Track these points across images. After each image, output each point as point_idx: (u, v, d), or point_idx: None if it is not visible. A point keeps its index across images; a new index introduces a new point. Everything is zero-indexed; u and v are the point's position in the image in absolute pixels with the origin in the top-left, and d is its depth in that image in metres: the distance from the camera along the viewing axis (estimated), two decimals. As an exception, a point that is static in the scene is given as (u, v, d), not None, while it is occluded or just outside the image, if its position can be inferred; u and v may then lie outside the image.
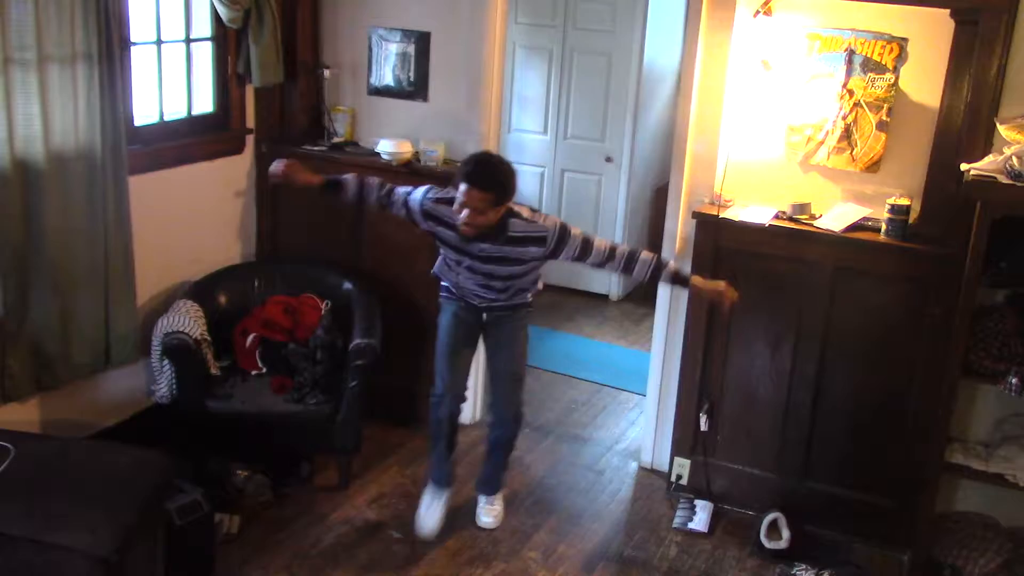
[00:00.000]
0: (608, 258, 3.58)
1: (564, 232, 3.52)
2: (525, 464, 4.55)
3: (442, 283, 3.90)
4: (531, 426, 4.87)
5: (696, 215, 4.00)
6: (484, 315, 3.80)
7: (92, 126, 3.65)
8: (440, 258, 3.79)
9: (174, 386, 3.98)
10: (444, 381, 3.87)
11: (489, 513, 4.07)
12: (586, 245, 3.55)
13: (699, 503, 4.23)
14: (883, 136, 3.78)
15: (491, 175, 3.40)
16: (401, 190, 3.72)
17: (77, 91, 3.58)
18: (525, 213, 3.55)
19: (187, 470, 3.81)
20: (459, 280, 3.73)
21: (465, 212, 3.39)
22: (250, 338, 4.26)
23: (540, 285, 3.89)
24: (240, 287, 4.48)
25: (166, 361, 3.95)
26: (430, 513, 3.96)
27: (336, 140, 4.70)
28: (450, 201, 3.51)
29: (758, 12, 3.81)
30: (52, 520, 2.80)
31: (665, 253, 4.29)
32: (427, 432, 4.04)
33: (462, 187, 3.38)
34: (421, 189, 3.67)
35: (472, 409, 4.83)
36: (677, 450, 4.32)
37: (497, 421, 3.99)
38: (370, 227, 4.65)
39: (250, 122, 4.70)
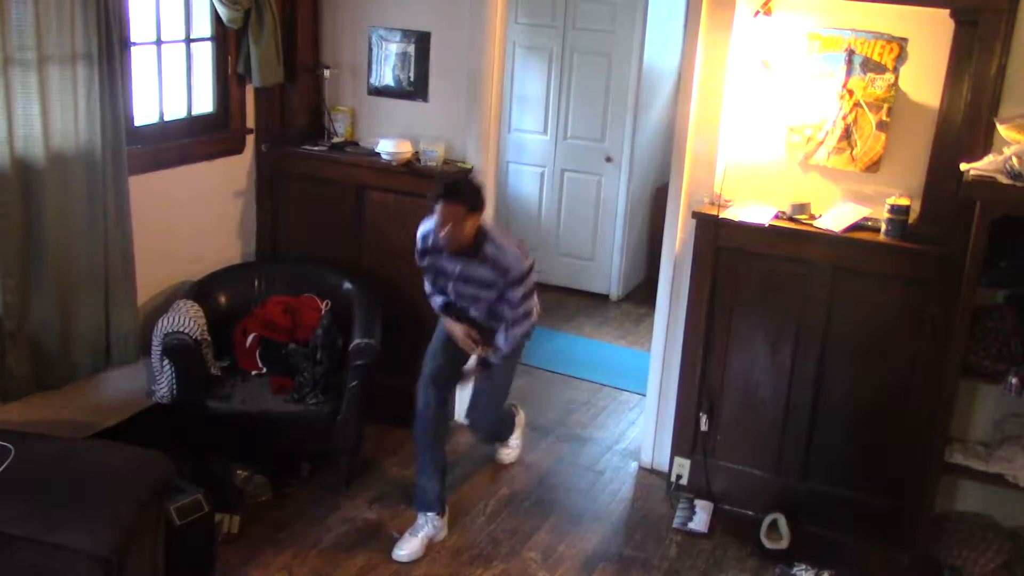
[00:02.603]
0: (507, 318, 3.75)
1: (520, 277, 3.68)
2: (525, 464, 4.55)
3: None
4: (531, 426, 4.87)
5: (696, 215, 4.00)
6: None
7: (92, 126, 3.65)
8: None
9: (174, 386, 3.98)
10: (425, 397, 3.91)
11: (506, 453, 4.51)
12: (515, 301, 3.69)
13: (699, 503, 4.23)
14: (883, 136, 3.78)
15: (457, 188, 3.64)
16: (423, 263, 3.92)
17: (77, 91, 3.58)
18: (502, 240, 3.74)
19: (187, 470, 3.82)
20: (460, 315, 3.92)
21: (441, 226, 3.60)
22: (250, 338, 4.26)
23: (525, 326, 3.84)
24: (240, 287, 4.48)
25: (166, 361, 3.96)
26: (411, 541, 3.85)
27: (336, 140, 4.70)
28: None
29: (758, 12, 3.81)
30: (52, 520, 2.80)
31: (665, 253, 4.30)
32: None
33: (437, 207, 3.59)
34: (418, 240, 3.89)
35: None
36: (677, 450, 4.32)
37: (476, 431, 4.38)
38: (370, 227, 4.65)
39: (250, 122, 4.70)
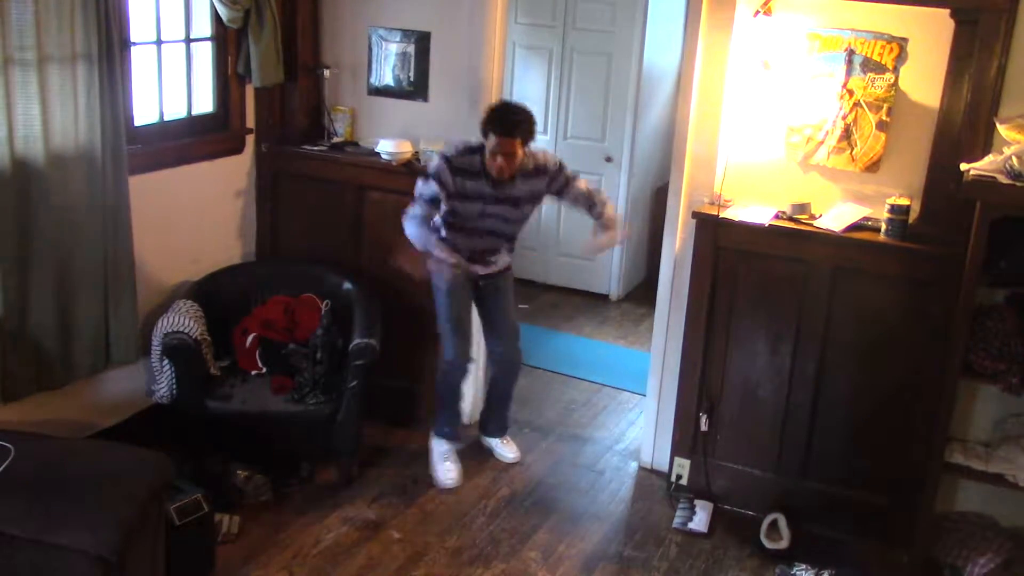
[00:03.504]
0: (586, 203, 4.11)
1: (560, 167, 4.03)
2: (525, 464, 4.55)
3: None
4: (531, 426, 4.88)
5: (696, 215, 4.00)
6: (480, 283, 4.17)
7: (92, 126, 3.65)
8: (444, 227, 3.99)
9: (174, 386, 3.98)
10: (457, 349, 4.16)
11: (510, 448, 4.57)
12: (569, 181, 4.04)
13: (699, 503, 4.23)
14: (883, 136, 3.78)
15: (518, 123, 3.83)
16: (422, 188, 3.93)
17: (77, 91, 3.58)
18: (531, 149, 3.97)
19: (187, 470, 3.81)
20: (470, 243, 4.02)
21: (502, 160, 3.77)
22: (250, 338, 4.26)
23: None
24: (240, 287, 4.48)
25: (166, 361, 3.96)
26: (451, 466, 4.33)
27: (336, 140, 4.70)
28: (472, 151, 3.85)
29: (758, 12, 3.81)
30: (52, 520, 2.80)
31: (665, 253, 4.30)
32: (436, 402, 4.36)
33: (494, 139, 3.75)
34: (434, 163, 3.90)
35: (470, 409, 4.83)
36: (677, 450, 4.32)
37: (506, 370, 4.40)
38: (370, 227, 4.65)
39: (250, 122, 4.70)
